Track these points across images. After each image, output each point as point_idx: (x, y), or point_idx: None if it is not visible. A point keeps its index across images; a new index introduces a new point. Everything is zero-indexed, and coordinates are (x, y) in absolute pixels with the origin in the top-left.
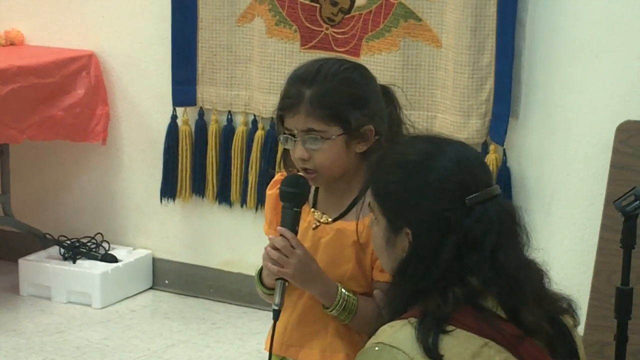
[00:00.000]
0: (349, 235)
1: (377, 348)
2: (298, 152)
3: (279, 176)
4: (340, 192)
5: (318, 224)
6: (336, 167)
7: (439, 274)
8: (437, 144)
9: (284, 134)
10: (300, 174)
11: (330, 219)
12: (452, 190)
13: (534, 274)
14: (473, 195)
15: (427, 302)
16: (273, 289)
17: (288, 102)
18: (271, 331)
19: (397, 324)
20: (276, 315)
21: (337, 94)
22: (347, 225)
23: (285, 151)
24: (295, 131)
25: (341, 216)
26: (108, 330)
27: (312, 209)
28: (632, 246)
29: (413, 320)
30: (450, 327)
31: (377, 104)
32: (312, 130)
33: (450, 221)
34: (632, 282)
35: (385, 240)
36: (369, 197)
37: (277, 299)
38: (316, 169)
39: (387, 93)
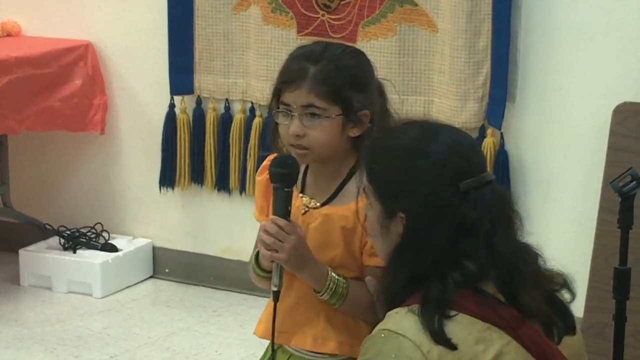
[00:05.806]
0: (336, 221)
1: (383, 335)
2: (294, 127)
3: (267, 162)
4: (328, 177)
5: (307, 209)
6: (328, 148)
7: (433, 258)
8: (431, 129)
9: (279, 109)
10: (289, 154)
11: (318, 204)
12: (446, 176)
13: (530, 256)
14: (467, 180)
15: (428, 289)
16: (271, 272)
17: (290, 76)
18: (273, 313)
19: (401, 310)
20: (276, 296)
21: (341, 75)
22: (335, 210)
23: (275, 130)
24: (294, 106)
25: (329, 201)
26: (109, 319)
27: (300, 194)
28: (630, 226)
29: (415, 307)
30: (452, 312)
31: (375, 91)
32: (312, 106)
33: (445, 206)
34: (630, 262)
35: (380, 225)
36: (353, 183)
37: (275, 280)
38: (309, 147)
39: (379, 86)
